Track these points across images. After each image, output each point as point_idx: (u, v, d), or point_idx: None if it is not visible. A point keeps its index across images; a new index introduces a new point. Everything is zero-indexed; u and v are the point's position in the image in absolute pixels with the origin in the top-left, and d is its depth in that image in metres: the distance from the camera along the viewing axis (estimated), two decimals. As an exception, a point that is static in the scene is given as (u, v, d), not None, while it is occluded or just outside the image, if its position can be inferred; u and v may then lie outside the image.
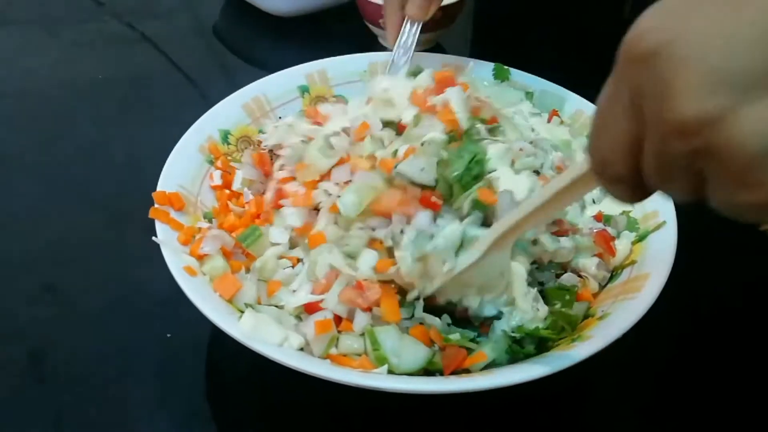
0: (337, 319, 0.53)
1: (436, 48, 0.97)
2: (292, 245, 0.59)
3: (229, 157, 0.66)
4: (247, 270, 0.57)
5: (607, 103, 0.33)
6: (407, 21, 0.75)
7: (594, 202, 0.63)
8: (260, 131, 0.70)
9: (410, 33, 0.74)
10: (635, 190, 0.34)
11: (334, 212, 0.55)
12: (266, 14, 1.04)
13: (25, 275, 0.67)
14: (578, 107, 0.73)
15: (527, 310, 0.52)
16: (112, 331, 0.61)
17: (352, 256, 0.53)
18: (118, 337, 0.61)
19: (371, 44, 0.99)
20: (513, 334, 0.52)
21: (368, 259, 0.53)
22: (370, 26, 0.97)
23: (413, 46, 0.75)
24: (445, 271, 0.50)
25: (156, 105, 0.89)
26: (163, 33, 1.03)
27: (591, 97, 0.73)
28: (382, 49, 0.97)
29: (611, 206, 0.63)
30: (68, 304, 0.64)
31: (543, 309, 0.54)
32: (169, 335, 0.61)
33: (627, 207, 0.63)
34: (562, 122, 0.72)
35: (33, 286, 0.65)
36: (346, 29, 1.02)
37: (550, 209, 0.45)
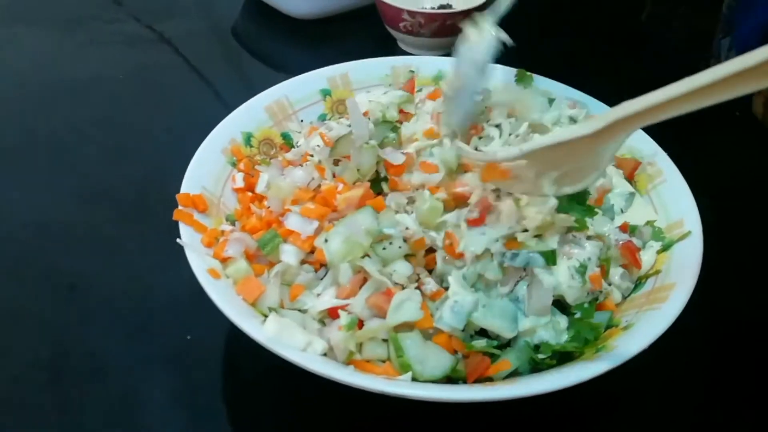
0: (361, 324, 0.53)
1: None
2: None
3: (251, 160, 0.66)
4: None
5: None
6: None
7: (622, 211, 0.63)
8: (283, 134, 0.70)
9: None
10: None
11: None
12: (285, 15, 1.04)
13: (48, 275, 0.67)
14: (600, 113, 0.72)
15: (549, 335, 0.52)
16: (132, 332, 0.61)
17: (384, 263, 0.53)
18: (138, 338, 0.61)
19: (391, 47, 0.99)
20: (540, 355, 0.51)
21: (403, 269, 0.53)
22: (390, 30, 0.97)
23: None
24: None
25: (175, 106, 0.90)
26: (182, 34, 1.04)
27: (610, 102, 0.73)
28: (402, 52, 0.98)
29: (636, 216, 0.62)
30: (90, 304, 0.64)
31: (563, 320, 0.54)
32: (189, 337, 0.61)
33: (652, 217, 0.62)
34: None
35: (56, 285, 0.66)
36: (365, 31, 1.02)
37: (708, 96, 0.37)
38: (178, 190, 0.59)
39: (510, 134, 0.60)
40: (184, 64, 0.99)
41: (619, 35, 1.10)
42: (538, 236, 0.54)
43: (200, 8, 1.13)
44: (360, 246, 0.52)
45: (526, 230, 0.54)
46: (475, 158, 0.52)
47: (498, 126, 0.61)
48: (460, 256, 0.53)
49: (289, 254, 0.55)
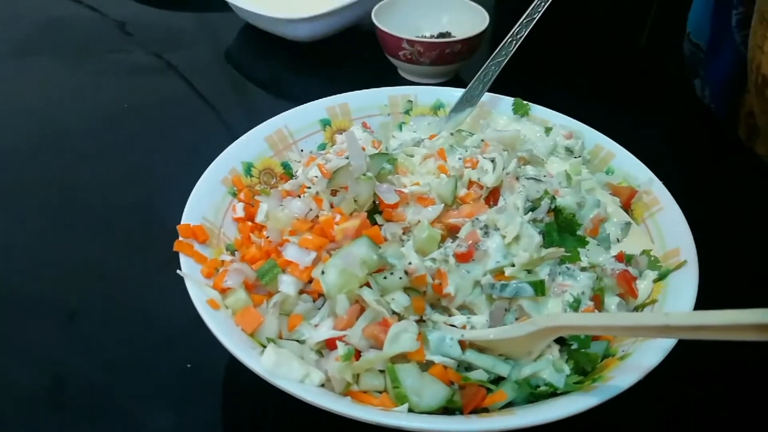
0: (358, 355, 0.53)
1: (454, 80, 0.99)
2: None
3: (251, 190, 0.67)
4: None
5: None
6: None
7: (618, 241, 0.63)
8: (283, 164, 0.71)
9: (490, 68, 0.75)
10: None
11: None
12: (286, 40, 1.05)
13: (47, 304, 0.68)
14: (597, 141, 0.73)
15: (551, 377, 0.52)
16: (132, 361, 0.62)
17: (383, 292, 0.54)
18: (138, 368, 0.61)
19: (390, 72, 1.01)
20: (543, 388, 0.51)
21: (401, 299, 0.53)
22: (390, 58, 0.98)
23: (491, 81, 0.76)
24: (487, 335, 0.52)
25: (180, 134, 0.91)
26: (188, 63, 1.05)
27: (607, 131, 0.73)
28: (403, 80, 0.99)
29: (633, 245, 0.63)
30: (89, 334, 0.65)
31: (564, 363, 0.54)
32: (189, 366, 0.61)
33: (648, 246, 0.63)
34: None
35: (55, 315, 0.66)
36: (364, 56, 1.03)
37: (616, 332, 0.51)
38: (178, 219, 0.60)
39: (503, 168, 0.61)
40: (190, 92, 1.00)
41: (618, 61, 1.12)
42: (527, 270, 0.55)
43: (206, 37, 1.15)
44: (355, 277, 0.53)
45: (513, 265, 0.55)
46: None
47: (492, 160, 0.62)
48: (448, 295, 0.54)
49: (287, 284, 0.56)
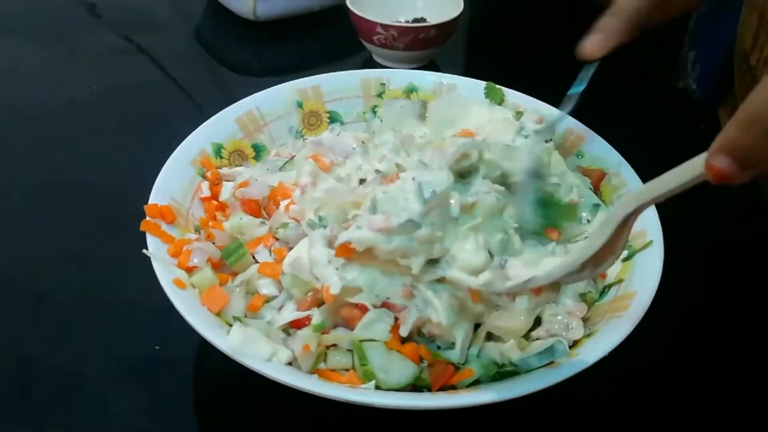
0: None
1: (429, 65, 0.99)
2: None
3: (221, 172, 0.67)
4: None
5: None
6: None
7: (588, 221, 0.64)
8: (254, 146, 0.71)
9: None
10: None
11: None
12: (259, 23, 1.04)
13: (15, 285, 0.66)
14: (568, 125, 0.74)
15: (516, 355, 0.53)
16: (100, 343, 0.61)
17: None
18: (106, 349, 0.61)
19: (363, 57, 1.00)
20: (509, 368, 0.52)
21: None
22: (364, 42, 0.98)
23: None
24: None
25: (151, 117, 0.90)
26: (159, 45, 1.04)
27: (580, 116, 0.74)
28: (377, 65, 0.99)
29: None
30: (57, 315, 0.64)
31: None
32: (157, 347, 0.61)
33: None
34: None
35: (23, 296, 0.65)
36: (338, 40, 1.03)
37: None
38: (147, 201, 0.59)
39: None
40: (161, 74, 0.99)
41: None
42: None
43: (178, 19, 1.13)
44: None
45: None
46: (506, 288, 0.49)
47: None
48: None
49: (268, 286, 0.56)
